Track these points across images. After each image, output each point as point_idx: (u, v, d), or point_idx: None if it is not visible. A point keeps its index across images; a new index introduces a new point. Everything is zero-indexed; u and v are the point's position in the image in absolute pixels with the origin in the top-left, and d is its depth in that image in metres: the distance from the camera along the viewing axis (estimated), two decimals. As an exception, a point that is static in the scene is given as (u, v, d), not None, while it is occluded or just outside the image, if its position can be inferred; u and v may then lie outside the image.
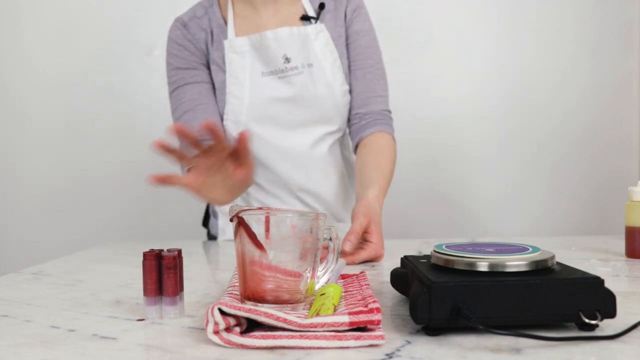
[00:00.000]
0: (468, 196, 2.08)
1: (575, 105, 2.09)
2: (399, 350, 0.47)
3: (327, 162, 1.21)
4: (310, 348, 0.47)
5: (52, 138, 2.01)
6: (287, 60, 1.14)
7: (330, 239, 0.61)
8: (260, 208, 0.58)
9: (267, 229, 0.55)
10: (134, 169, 2.01)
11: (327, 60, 1.16)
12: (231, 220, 0.57)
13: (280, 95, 1.15)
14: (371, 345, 0.47)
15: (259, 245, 0.55)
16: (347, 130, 1.25)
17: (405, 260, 0.63)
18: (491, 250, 0.56)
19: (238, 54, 1.15)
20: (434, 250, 0.58)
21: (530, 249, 0.56)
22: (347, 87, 1.19)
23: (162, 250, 0.57)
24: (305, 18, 1.17)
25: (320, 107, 1.17)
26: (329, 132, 1.20)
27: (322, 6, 1.19)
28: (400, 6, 2.03)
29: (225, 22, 1.18)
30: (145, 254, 0.57)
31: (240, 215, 0.56)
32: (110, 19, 2.00)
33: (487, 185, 2.08)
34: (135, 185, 2.01)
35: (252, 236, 0.55)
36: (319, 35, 1.16)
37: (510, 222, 2.07)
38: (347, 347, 0.47)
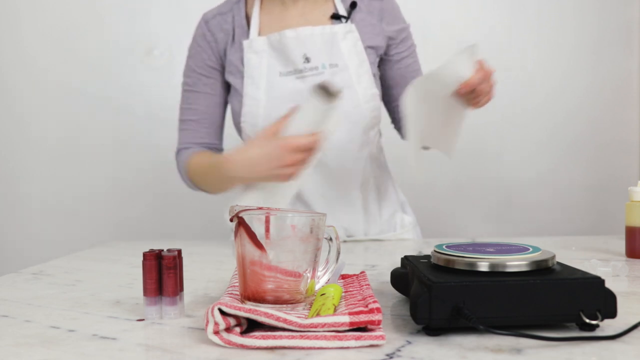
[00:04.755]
0: (468, 196, 2.08)
1: (575, 105, 2.09)
2: (399, 350, 0.47)
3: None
4: (310, 348, 0.47)
5: (52, 138, 2.01)
6: (307, 60, 1.11)
7: (331, 239, 0.61)
8: (260, 208, 0.58)
9: (267, 229, 0.55)
10: (134, 169, 2.01)
11: (353, 61, 1.13)
12: (231, 220, 0.57)
13: (297, 96, 1.09)
14: (371, 346, 0.47)
15: (259, 245, 0.55)
16: (379, 135, 1.23)
17: (405, 260, 0.63)
18: (491, 250, 0.56)
19: (256, 54, 1.12)
20: (435, 250, 0.58)
21: (531, 249, 0.56)
22: (375, 91, 1.14)
23: (162, 250, 0.57)
24: (336, 17, 1.15)
25: (345, 110, 1.09)
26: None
27: (353, 5, 1.15)
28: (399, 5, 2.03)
29: (248, 21, 1.15)
30: (145, 254, 0.57)
31: (240, 215, 0.56)
32: (110, 19, 2.00)
33: (487, 184, 2.08)
34: (135, 186, 2.01)
35: (252, 236, 0.55)
36: (347, 35, 1.13)
37: (510, 222, 2.07)
38: (348, 348, 0.47)
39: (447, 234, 2.02)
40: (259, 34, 1.14)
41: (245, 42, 1.13)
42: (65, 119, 2.01)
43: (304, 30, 1.11)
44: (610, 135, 2.12)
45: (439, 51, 2.10)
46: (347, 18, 1.14)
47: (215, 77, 1.17)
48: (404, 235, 1.25)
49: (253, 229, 0.55)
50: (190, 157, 1.15)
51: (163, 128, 1.98)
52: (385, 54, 1.20)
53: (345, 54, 1.12)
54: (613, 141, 2.11)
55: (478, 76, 0.93)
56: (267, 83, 1.11)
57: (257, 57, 1.12)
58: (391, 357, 0.45)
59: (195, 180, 1.16)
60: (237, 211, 0.56)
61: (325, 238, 0.60)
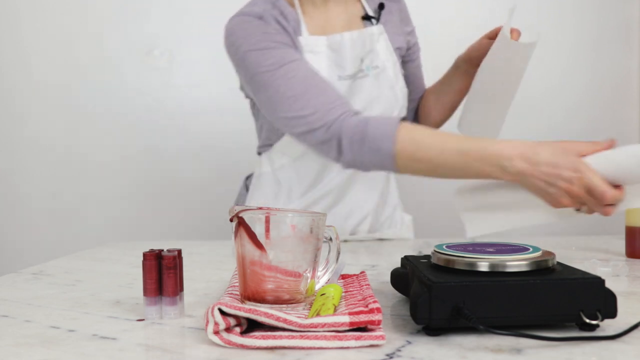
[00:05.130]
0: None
1: (574, 103, 2.09)
2: (399, 350, 0.47)
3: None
4: (310, 348, 0.47)
5: (51, 138, 2.01)
6: (362, 62, 1.09)
7: (331, 239, 0.61)
8: (260, 208, 0.58)
9: (267, 229, 0.55)
10: (134, 169, 2.01)
11: (389, 61, 1.12)
12: (231, 220, 0.57)
13: (351, 99, 1.06)
14: (371, 346, 0.47)
15: (259, 245, 0.55)
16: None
17: (405, 260, 0.63)
18: (492, 250, 0.56)
19: (315, 54, 1.06)
20: (435, 250, 0.58)
21: (531, 249, 0.56)
22: (407, 90, 1.16)
23: (162, 250, 0.57)
24: (366, 18, 1.13)
25: (383, 112, 1.10)
26: None
27: (382, 6, 1.14)
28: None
29: (297, 17, 1.09)
30: (145, 254, 0.57)
31: (240, 215, 0.56)
32: (110, 19, 2.00)
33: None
34: (135, 186, 2.01)
35: (252, 236, 0.55)
36: (380, 37, 1.12)
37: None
38: (348, 348, 0.47)
39: (447, 234, 2.02)
40: (309, 33, 1.09)
41: (301, 39, 1.06)
42: (65, 119, 2.01)
43: (358, 34, 1.09)
44: (610, 133, 2.10)
45: (439, 49, 2.10)
46: (377, 19, 1.13)
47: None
48: (404, 235, 1.25)
49: (253, 229, 0.55)
50: (403, 126, 0.90)
51: (163, 128, 1.99)
52: (402, 54, 1.20)
53: (382, 55, 1.11)
54: (613, 141, 2.11)
55: (515, 35, 0.97)
56: None
57: (316, 58, 1.06)
58: (391, 357, 0.45)
59: (417, 160, 0.89)
60: (237, 211, 0.56)
61: (325, 238, 0.60)
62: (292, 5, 1.10)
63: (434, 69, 2.19)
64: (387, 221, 1.24)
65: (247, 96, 1.18)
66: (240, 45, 1.02)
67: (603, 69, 2.09)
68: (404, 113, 1.17)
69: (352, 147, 0.92)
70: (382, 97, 1.09)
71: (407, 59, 1.22)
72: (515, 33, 0.98)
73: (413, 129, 0.90)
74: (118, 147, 2.02)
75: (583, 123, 2.10)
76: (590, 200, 0.77)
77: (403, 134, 0.89)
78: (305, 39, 1.06)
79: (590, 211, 0.79)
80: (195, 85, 1.98)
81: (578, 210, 0.81)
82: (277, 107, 0.98)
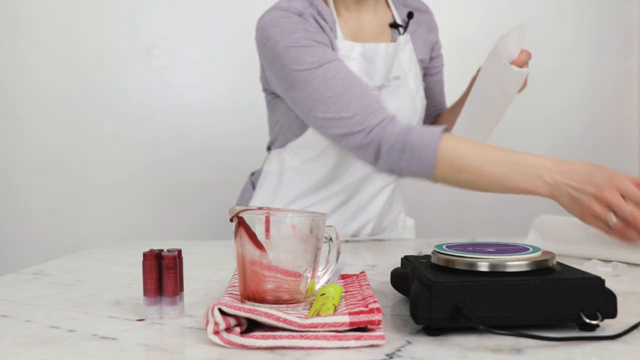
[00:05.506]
0: (467, 195, 2.07)
1: (574, 103, 2.09)
2: (399, 350, 0.47)
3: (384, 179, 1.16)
4: (310, 348, 0.47)
5: (52, 138, 2.01)
6: (389, 73, 1.07)
7: (331, 239, 0.61)
8: (260, 208, 0.58)
9: (267, 229, 0.55)
10: (134, 169, 2.01)
11: (411, 72, 1.10)
12: (231, 220, 0.57)
13: None
14: (371, 346, 0.47)
15: (259, 245, 0.55)
16: None
17: (405, 260, 0.63)
18: (492, 250, 0.56)
19: (348, 60, 1.04)
20: (435, 250, 0.58)
21: (531, 249, 0.56)
22: (426, 102, 1.15)
23: (162, 250, 0.57)
24: (394, 26, 1.11)
25: None
26: None
27: (410, 15, 1.11)
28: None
29: (333, 18, 1.07)
30: (145, 254, 0.57)
31: (240, 215, 0.56)
32: (110, 19, 2.00)
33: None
34: (135, 186, 2.01)
35: (252, 236, 0.55)
36: (405, 47, 1.10)
37: (510, 222, 2.07)
38: (348, 348, 0.47)
39: (447, 234, 2.02)
40: (344, 38, 1.07)
41: (337, 42, 1.04)
42: (65, 119, 2.01)
43: (391, 46, 1.08)
44: (610, 134, 2.11)
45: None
46: (405, 28, 1.11)
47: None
48: (405, 236, 1.25)
49: (253, 229, 0.55)
50: (446, 139, 0.91)
51: (163, 128, 1.98)
52: (425, 66, 1.19)
53: (405, 65, 1.10)
54: (613, 140, 2.11)
55: (524, 56, 0.94)
56: None
57: (348, 64, 1.03)
58: (391, 357, 0.45)
59: (456, 172, 0.91)
60: (237, 211, 0.56)
61: (325, 238, 0.60)
62: (328, 5, 1.08)
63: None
64: (390, 226, 1.23)
65: (265, 90, 1.16)
66: (278, 40, 1.00)
67: (603, 69, 2.09)
68: (422, 123, 1.16)
69: (391, 154, 0.92)
70: (402, 108, 1.07)
71: (429, 72, 1.21)
72: (524, 55, 0.96)
73: (456, 140, 0.92)
74: (118, 147, 2.02)
75: (583, 123, 2.10)
76: (621, 206, 0.76)
77: (445, 144, 0.90)
78: (341, 43, 1.05)
79: (622, 226, 0.77)
80: (195, 85, 1.98)
81: (608, 226, 0.79)
82: (314, 107, 0.97)
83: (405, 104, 1.08)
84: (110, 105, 2.01)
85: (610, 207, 0.77)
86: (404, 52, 1.10)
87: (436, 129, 0.92)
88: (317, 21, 1.03)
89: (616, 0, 2.09)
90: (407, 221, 1.28)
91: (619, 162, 2.11)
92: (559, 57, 2.08)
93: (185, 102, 1.98)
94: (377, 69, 1.07)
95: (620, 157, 2.12)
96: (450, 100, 1.27)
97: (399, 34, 1.12)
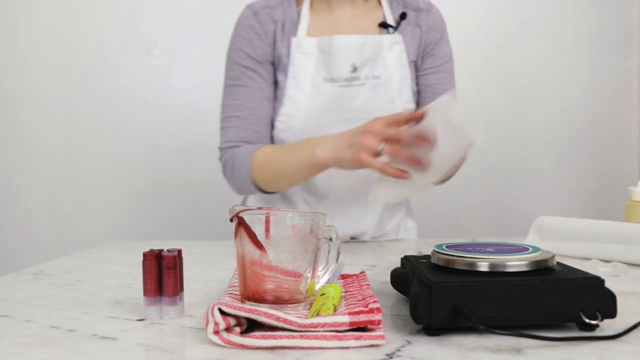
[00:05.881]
0: (467, 195, 2.08)
1: (574, 103, 2.09)
2: (399, 350, 0.47)
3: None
4: (310, 348, 0.47)
5: (51, 138, 2.01)
6: (355, 69, 1.08)
7: (331, 239, 0.61)
8: (261, 208, 0.58)
9: (267, 229, 0.55)
10: (134, 169, 2.01)
11: (396, 74, 1.10)
12: (231, 220, 0.57)
13: (339, 106, 1.07)
14: (371, 346, 0.47)
15: (259, 245, 0.55)
16: None
17: (405, 260, 0.63)
18: (491, 250, 0.56)
19: (304, 55, 1.08)
20: (434, 250, 0.58)
21: (531, 249, 0.56)
22: (413, 106, 1.12)
23: (162, 250, 0.57)
24: (384, 26, 1.11)
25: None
26: None
27: (403, 16, 1.12)
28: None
29: (299, 18, 1.11)
30: (145, 254, 0.57)
31: (240, 215, 0.56)
32: (110, 19, 2.00)
33: (486, 184, 2.07)
34: (135, 186, 2.01)
35: (252, 236, 0.55)
36: (394, 47, 1.10)
37: (510, 222, 2.07)
38: (348, 347, 0.47)
39: (447, 234, 2.02)
40: (307, 34, 1.10)
41: (293, 40, 1.09)
42: (65, 119, 2.01)
43: (356, 38, 1.07)
44: (610, 134, 2.11)
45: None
46: (395, 28, 1.11)
47: (262, 70, 1.11)
48: (405, 238, 1.25)
49: (253, 229, 0.55)
50: (256, 151, 1.06)
51: (163, 128, 1.98)
52: (418, 67, 1.17)
53: (390, 66, 1.09)
54: (613, 140, 2.11)
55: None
56: (311, 87, 1.07)
57: (305, 58, 1.08)
58: (391, 357, 0.45)
59: (264, 173, 1.05)
60: (237, 211, 0.56)
61: (325, 238, 0.60)
62: (300, 2, 1.11)
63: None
64: (392, 232, 1.23)
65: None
66: (229, 50, 1.15)
67: (603, 69, 2.09)
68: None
69: (226, 173, 1.12)
70: (376, 109, 1.04)
71: (425, 72, 1.17)
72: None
73: (269, 147, 1.07)
74: (118, 147, 2.02)
75: (583, 124, 2.10)
76: (387, 132, 0.83)
77: (257, 153, 1.06)
78: (298, 40, 1.09)
79: (393, 151, 0.83)
80: (195, 85, 1.98)
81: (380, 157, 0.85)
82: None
83: (381, 105, 1.07)
84: (110, 105, 2.01)
85: (377, 136, 0.85)
86: (392, 53, 1.10)
87: (251, 149, 1.07)
88: (274, 22, 1.11)
89: (616, 0, 2.09)
90: (408, 223, 1.27)
91: (619, 162, 2.11)
92: (559, 57, 2.08)
93: (185, 102, 1.98)
94: (334, 62, 1.07)
95: (620, 157, 2.12)
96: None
97: (388, 33, 1.11)
